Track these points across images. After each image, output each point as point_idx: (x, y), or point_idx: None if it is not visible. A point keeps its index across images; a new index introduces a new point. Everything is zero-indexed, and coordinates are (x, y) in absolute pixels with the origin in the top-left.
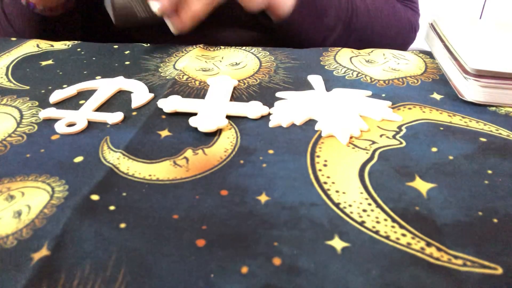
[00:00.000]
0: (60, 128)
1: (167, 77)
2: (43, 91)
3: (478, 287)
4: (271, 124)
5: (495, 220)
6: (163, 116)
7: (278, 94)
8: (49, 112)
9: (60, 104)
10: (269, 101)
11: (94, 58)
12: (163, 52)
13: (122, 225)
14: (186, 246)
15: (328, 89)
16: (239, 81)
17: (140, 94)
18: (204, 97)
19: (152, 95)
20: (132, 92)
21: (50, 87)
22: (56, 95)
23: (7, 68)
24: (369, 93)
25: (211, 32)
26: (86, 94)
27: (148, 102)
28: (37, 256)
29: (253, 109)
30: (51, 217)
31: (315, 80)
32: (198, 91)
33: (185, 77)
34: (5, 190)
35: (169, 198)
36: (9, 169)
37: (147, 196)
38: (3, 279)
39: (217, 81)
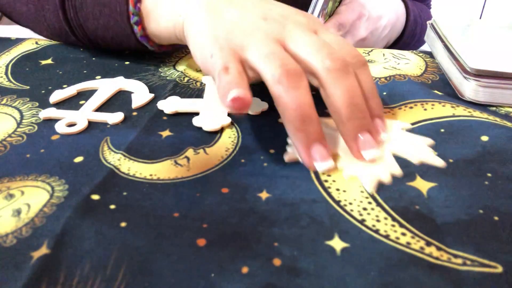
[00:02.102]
0: (61, 128)
1: (168, 78)
2: (43, 91)
3: (478, 286)
4: (287, 158)
5: (496, 219)
6: (164, 117)
7: None
8: (49, 112)
9: (60, 104)
10: (271, 99)
11: (94, 58)
12: (163, 52)
13: (123, 224)
14: (187, 246)
15: None
16: None
17: (140, 94)
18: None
19: (152, 95)
20: (132, 92)
21: (50, 87)
22: (56, 95)
23: (7, 67)
24: (408, 126)
25: None
26: (86, 94)
27: (149, 102)
28: (36, 254)
29: (253, 105)
30: (51, 216)
31: None
32: (200, 92)
33: (186, 78)
34: (4, 189)
35: (169, 196)
36: (9, 169)
37: (147, 195)
38: (2, 278)
39: (212, 79)
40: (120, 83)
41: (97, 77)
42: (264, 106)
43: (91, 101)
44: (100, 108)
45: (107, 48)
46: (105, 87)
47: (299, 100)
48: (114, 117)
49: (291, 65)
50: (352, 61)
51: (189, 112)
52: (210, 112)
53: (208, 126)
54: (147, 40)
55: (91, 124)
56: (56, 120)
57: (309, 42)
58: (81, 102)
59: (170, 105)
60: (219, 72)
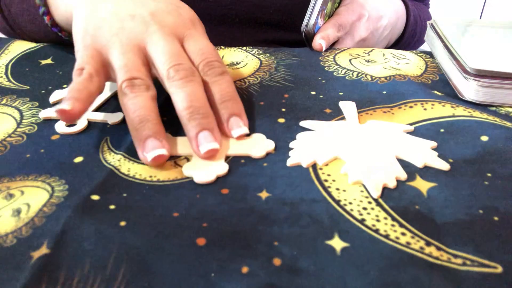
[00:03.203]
0: (61, 128)
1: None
2: (43, 91)
3: (477, 286)
4: (289, 162)
5: (496, 219)
6: (164, 118)
7: (302, 124)
8: (49, 112)
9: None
10: (270, 100)
11: None
12: None
13: (122, 223)
14: (187, 245)
15: (328, 88)
16: (239, 80)
17: None
18: None
19: None
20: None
21: (50, 87)
22: (56, 95)
23: (7, 67)
24: (410, 129)
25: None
26: None
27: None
28: (36, 254)
29: (257, 146)
30: (51, 216)
31: (347, 107)
32: None
33: None
34: (4, 189)
35: (169, 197)
36: (9, 169)
37: (147, 196)
38: (2, 278)
39: None
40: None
41: None
42: (270, 147)
43: None
44: (100, 108)
45: (50, 42)
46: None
47: (138, 105)
48: (114, 117)
49: (137, 79)
50: (209, 71)
51: (180, 155)
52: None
53: (200, 178)
54: (60, 30)
55: (91, 124)
56: (56, 120)
57: (163, 50)
58: None
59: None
60: (74, 71)
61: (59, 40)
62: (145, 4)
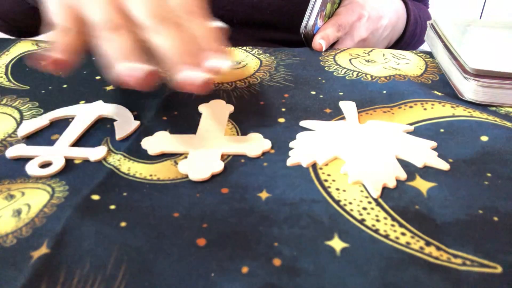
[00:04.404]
0: (33, 169)
1: (167, 77)
2: (43, 91)
3: (477, 286)
4: (289, 162)
5: (496, 219)
6: (164, 118)
7: (302, 124)
8: (18, 150)
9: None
10: (270, 100)
11: (94, 58)
12: None
13: (123, 224)
14: (187, 246)
15: (329, 88)
16: (240, 80)
17: (124, 122)
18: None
19: (138, 123)
20: (114, 120)
21: (50, 87)
22: (26, 128)
23: (7, 67)
24: (410, 129)
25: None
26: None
27: (135, 131)
28: (36, 254)
29: (253, 145)
30: (51, 216)
31: (348, 107)
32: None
33: None
34: (5, 190)
35: (169, 196)
36: (9, 169)
37: (147, 196)
38: (2, 278)
39: (210, 108)
40: (99, 109)
41: (97, 77)
42: (266, 146)
43: (67, 134)
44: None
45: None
46: (82, 115)
47: (118, 43)
48: (96, 153)
49: (116, 23)
50: (184, 15)
51: (177, 153)
52: (200, 155)
53: (195, 175)
54: None
55: (91, 125)
56: (26, 159)
57: (146, 4)
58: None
59: (155, 144)
60: (56, 32)
61: (31, 14)
62: None
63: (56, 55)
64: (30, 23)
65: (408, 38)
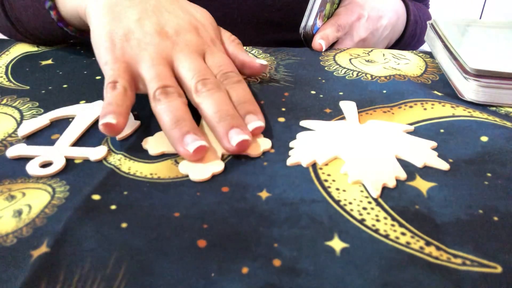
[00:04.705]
0: (33, 169)
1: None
2: (43, 91)
3: (477, 286)
4: (289, 162)
5: (496, 219)
6: None
7: (302, 123)
8: (18, 150)
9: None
10: (270, 99)
11: (94, 58)
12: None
13: (123, 225)
14: (187, 247)
15: (329, 88)
16: None
17: None
18: None
19: (138, 122)
20: None
21: (50, 87)
22: (26, 127)
23: (7, 67)
24: (410, 129)
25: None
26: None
27: (135, 131)
28: (36, 253)
29: (253, 145)
30: (52, 217)
31: (348, 107)
32: None
33: None
34: (5, 190)
35: (170, 196)
36: (9, 169)
37: (148, 195)
38: (2, 276)
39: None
40: (99, 109)
41: (97, 78)
42: (267, 145)
43: (67, 133)
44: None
45: (52, 42)
46: (82, 115)
47: (174, 108)
48: (97, 152)
49: (170, 87)
50: (225, 80)
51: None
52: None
53: (196, 175)
54: (66, 25)
55: (91, 125)
56: (27, 159)
57: (190, 67)
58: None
59: (156, 145)
60: (107, 85)
61: (64, 37)
62: (169, 20)
63: (113, 120)
64: (58, 40)
65: (408, 38)
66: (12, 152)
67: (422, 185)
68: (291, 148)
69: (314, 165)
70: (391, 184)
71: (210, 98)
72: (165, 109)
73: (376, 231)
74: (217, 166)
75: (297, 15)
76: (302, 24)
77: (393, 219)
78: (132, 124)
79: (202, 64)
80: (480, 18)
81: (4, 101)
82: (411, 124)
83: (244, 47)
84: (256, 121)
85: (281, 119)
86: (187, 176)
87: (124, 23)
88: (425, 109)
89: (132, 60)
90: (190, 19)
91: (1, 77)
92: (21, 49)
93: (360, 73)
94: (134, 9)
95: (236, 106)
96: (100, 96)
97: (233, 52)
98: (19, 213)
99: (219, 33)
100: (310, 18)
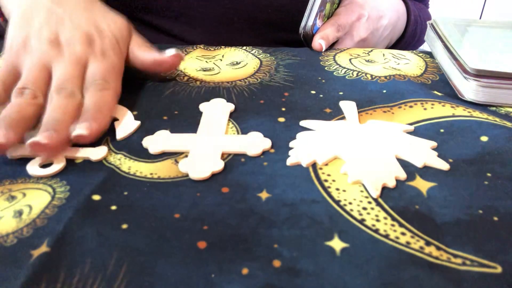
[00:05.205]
0: (34, 170)
1: (167, 77)
2: None
3: (477, 286)
4: (289, 162)
5: (496, 219)
6: (165, 117)
7: (302, 123)
8: (19, 150)
9: None
10: (270, 99)
11: None
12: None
13: (124, 226)
14: (187, 248)
15: (328, 88)
16: (239, 80)
17: (124, 122)
18: (204, 100)
19: (138, 123)
20: (115, 119)
21: None
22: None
23: None
24: (410, 128)
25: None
26: None
27: (135, 131)
28: (36, 252)
29: (253, 144)
30: (52, 217)
31: (348, 107)
32: (199, 89)
33: (185, 77)
34: (6, 191)
35: (170, 196)
36: (10, 169)
37: (148, 195)
38: (2, 276)
39: (211, 107)
40: None
41: None
42: (267, 145)
43: None
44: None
45: None
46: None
47: (15, 105)
48: (97, 153)
49: (27, 89)
50: (90, 87)
51: (177, 151)
52: (200, 154)
53: (195, 174)
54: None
55: None
56: (27, 159)
57: (59, 75)
58: None
59: (157, 143)
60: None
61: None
62: (65, 29)
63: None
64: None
65: (408, 38)
66: (13, 152)
67: (422, 185)
68: (291, 148)
69: (314, 165)
70: (391, 184)
71: (52, 104)
72: (9, 105)
73: (376, 231)
74: (217, 165)
75: (294, 16)
76: (302, 24)
77: (393, 219)
78: (132, 124)
79: (72, 74)
80: (480, 18)
81: None
82: (411, 124)
83: (244, 47)
84: (78, 129)
85: (281, 119)
86: (187, 175)
87: (26, 30)
88: (425, 109)
89: (19, 64)
90: (89, 30)
91: None
92: None
93: (360, 73)
94: (40, 18)
95: (82, 111)
96: None
97: (138, 56)
98: (19, 213)
99: (127, 42)
100: (310, 18)
